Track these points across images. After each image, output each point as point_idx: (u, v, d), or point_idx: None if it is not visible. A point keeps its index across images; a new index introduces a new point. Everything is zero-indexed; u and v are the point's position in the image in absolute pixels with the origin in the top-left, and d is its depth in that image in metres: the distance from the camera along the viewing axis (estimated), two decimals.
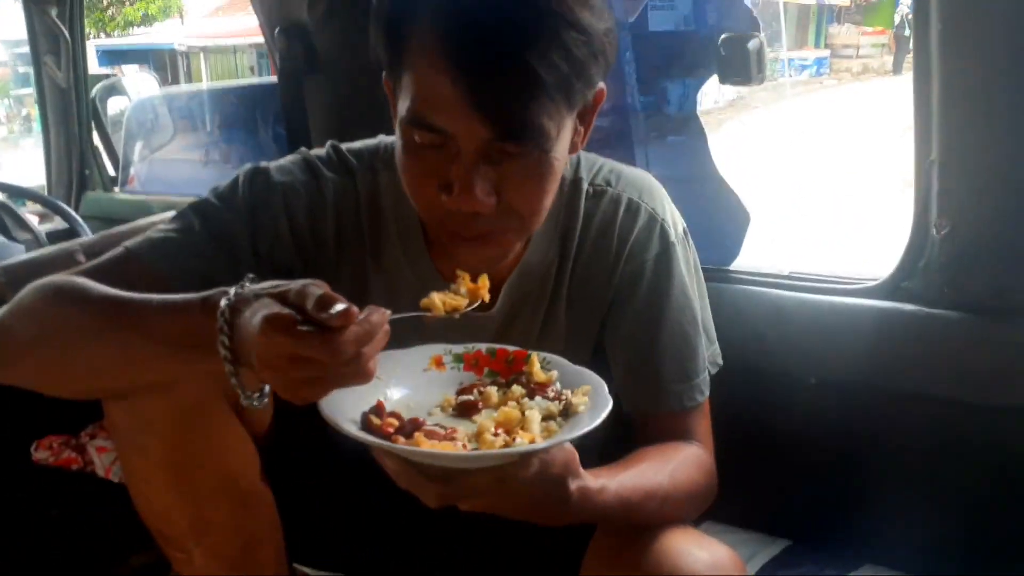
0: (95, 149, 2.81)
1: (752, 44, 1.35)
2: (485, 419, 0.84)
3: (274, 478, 1.07)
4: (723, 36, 1.42)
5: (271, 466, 1.06)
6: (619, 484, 0.92)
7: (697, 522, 1.09)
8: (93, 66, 3.61)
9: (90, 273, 0.95)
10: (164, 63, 14.46)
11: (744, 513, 1.37)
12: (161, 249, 0.97)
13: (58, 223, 2.40)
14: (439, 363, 0.96)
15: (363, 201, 1.06)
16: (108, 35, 15.05)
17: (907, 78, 1.20)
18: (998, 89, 1.10)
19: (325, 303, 0.70)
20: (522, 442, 0.80)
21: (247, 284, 0.77)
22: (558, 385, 0.91)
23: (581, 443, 0.84)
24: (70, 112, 2.72)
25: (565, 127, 0.91)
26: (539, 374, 0.93)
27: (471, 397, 0.90)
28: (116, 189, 2.83)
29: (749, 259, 1.51)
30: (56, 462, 1.43)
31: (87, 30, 2.79)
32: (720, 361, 1.15)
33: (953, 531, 1.23)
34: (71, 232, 2.27)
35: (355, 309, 0.71)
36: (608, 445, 0.99)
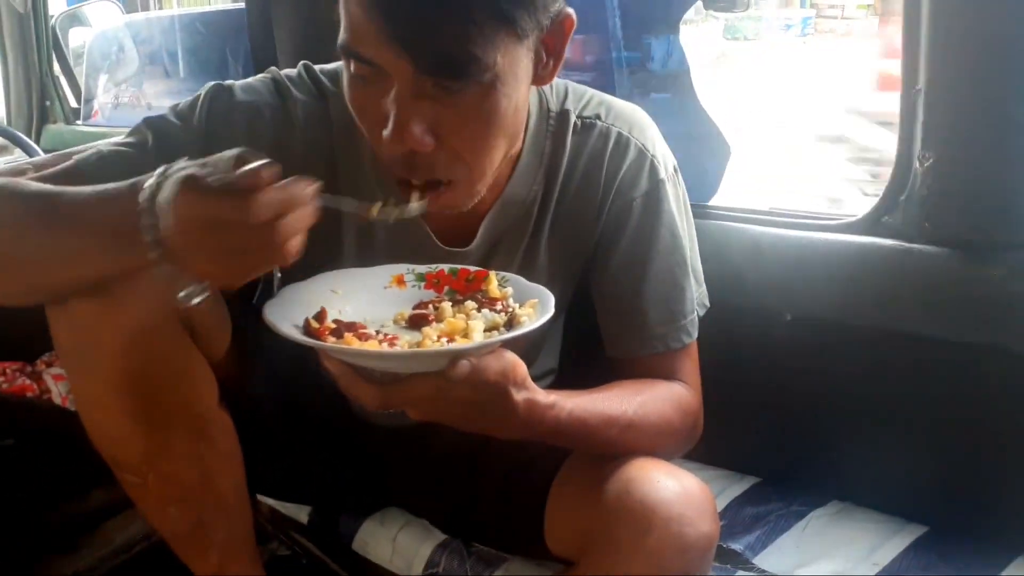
0: (56, 80, 2.72)
1: None
2: (430, 329, 0.85)
3: (234, 409, 1.04)
4: None
5: (230, 397, 1.03)
6: (575, 404, 0.91)
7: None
8: (61, 4, 3.47)
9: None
10: (135, 2, 14.03)
11: (713, 450, 1.35)
12: (109, 164, 0.92)
13: (18, 155, 2.32)
14: (400, 281, 0.96)
15: (336, 127, 1.01)
16: None
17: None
18: (989, 14, 1.07)
19: (241, 162, 0.68)
20: (460, 341, 0.81)
21: (176, 165, 0.72)
22: (511, 301, 0.91)
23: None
24: (29, 40, 2.61)
25: (514, 58, 0.84)
26: (494, 291, 0.92)
27: (425, 312, 0.89)
28: (78, 122, 2.74)
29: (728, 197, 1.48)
30: (10, 389, 1.39)
31: None
32: (707, 303, 1.13)
33: (924, 470, 1.23)
34: None
35: (272, 171, 0.68)
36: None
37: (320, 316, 0.85)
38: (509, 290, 0.93)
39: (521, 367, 0.84)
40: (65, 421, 1.42)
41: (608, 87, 1.75)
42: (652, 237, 1.05)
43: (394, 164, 0.88)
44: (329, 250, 1.03)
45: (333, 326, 0.84)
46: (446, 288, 0.96)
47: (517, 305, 0.89)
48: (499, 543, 1.18)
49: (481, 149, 0.88)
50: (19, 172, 1.27)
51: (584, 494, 0.96)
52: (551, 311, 0.86)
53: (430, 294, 0.96)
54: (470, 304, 0.90)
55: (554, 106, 1.05)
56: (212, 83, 1.01)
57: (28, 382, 1.40)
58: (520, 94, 0.89)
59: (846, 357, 1.28)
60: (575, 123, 1.05)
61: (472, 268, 0.97)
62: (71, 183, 0.89)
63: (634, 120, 1.07)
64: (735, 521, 1.27)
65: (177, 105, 0.99)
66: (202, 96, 0.99)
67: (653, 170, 1.05)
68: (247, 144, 0.95)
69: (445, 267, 0.97)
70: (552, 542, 1.04)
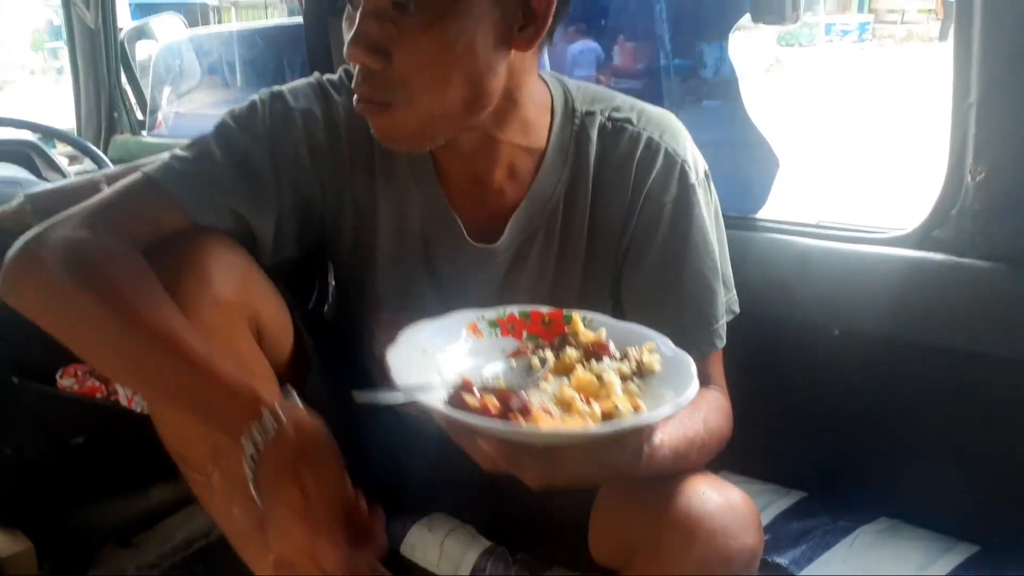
0: (124, 92, 2.83)
1: None
2: (566, 388, 0.81)
3: None
4: None
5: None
6: (670, 436, 0.90)
7: (714, 471, 1.09)
8: (126, 19, 3.60)
9: (112, 203, 0.96)
10: (196, 16, 14.46)
11: (761, 464, 1.36)
12: (182, 178, 0.97)
13: (87, 165, 2.42)
14: (475, 330, 0.92)
15: None
16: None
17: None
18: None
19: None
20: (628, 409, 0.77)
21: (284, 405, 0.83)
22: (611, 343, 0.88)
23: None
24: (99, 54, 2.72)
25: (476, 3, 0.88)
26: (586, 334, 0.90)
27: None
28: (144, 133, 2.84)
29: (777, 209, 1.48)
30: (81, 390, 1.46)
31: None
32: (736, 309, 1.13)
33: (975, 488, 1.21)
34: None
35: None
36: None
37: (467, 387, 0.78)
38: (603, 332, 0.90)
39: None
40: (130, 421, 1.48)
41: (656, 95, 1.76)
42: (684, 242, 1.05)
43: (355, 81, 0.93)
44: (365, 244, 1.08)
45: (494, 400, 0.76)
46: (525, 334, 0.92)
47: (634, 350, 0.86)
48: (543, 551, 1.20)
49: (427, 79, 0.90)
50: (94, 185, 1.34)
51: (629, 504, 0.96)
52: (684, 355, 0.84)
53: (511, 342, 0.91)
54: (572, 352, 0.86)
55: (580, 107, 1.06)
56: (265, 90, 1.05)
57: (97, 384, 1.46)
58: (480, 39, 0.90)
59: (894, 372, 1.26)
60: (605, 125, 1.06)
61: (543, 309, 0.93)
62: (145, 200, 0.96)
63: (665, 125, 1.07)
64: (780, 535, 1.26)
65: (234, 112, 1.03)
66: (259, 103, 1.03)
67: (684, 175, 1.05)
68: (305, 146, 1.02)
69: (514, 310, 0.93)
70: (596, 552, 1.05)
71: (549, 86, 1.07)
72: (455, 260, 1.08)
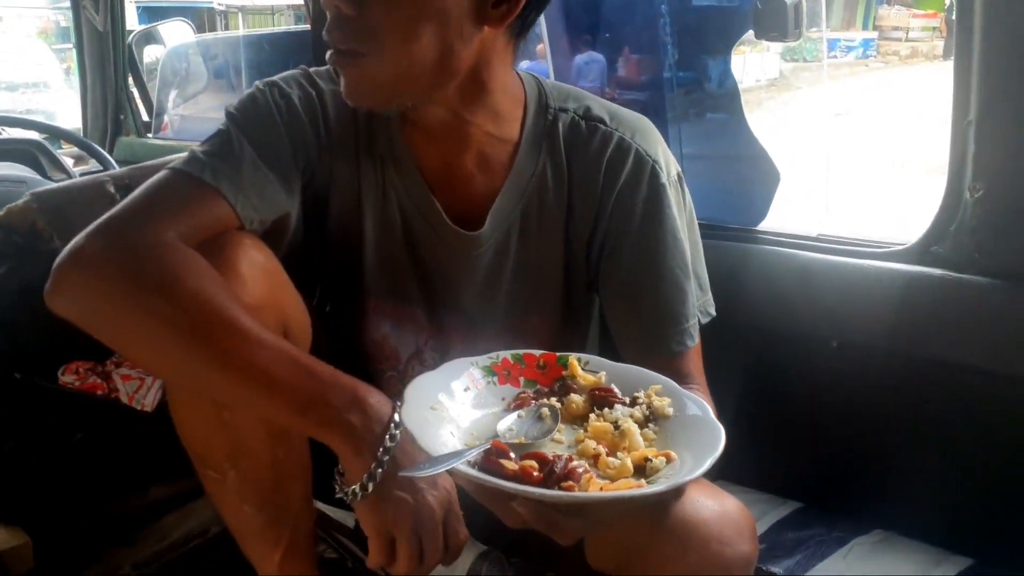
0: (130, 95, 2.84)
1: None
2: (587, 440, 0.81)
3: None
4: None
5: None
6: None
7: (711, 480, 1.09)
8: (133, 22, 3.62)
9: (153, 200, 0.93)
10: (203, 21, 14.50)
11: (757, 473, 1.37)
12: (218, 171, 0.95)
13: (92, 165, 2.43)
14: (473, 380, 0.91)
15: (360, 113, 1.06)
16: None
17: None
18: None
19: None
20: (662, 461, 0.78)
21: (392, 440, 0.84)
22: (613, 387, 0.89)
23: None
24: (107, 56, 2.74)
25: None
26: (586, 377, 0.90)
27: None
28: (149, 135, 2.86)
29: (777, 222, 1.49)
30: (82, 387, 1.46)
31: None
32: (712, 311, 1.13)
33: (969, 502, 1.22)
34: None
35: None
36: None
37: (500, 451, 0.76)
38: (603, 375, 0.90)
39: None
40: (130, 419, 1.49)
41: (659, 107, 1.78)
42: (655, 242, 1.06)
43: (327, 29, 0.94)
44: (351, 228, 1.09)
45: (534, 464, 0.75)
46: (521, 380, 0.91)
47: (640, 394, 0.87)
48: (539, 556, 1.20)
49: (398, 29, 0.92)
50: (100, 185, 1.35)
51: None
52: (698, 400, 0.86)
53: (510, 389, 0.90)
54: (576, 399, 0.87)
55: (553, 103, 1.08)
56: (260, 82, 1.06)
57: (98, 381, 1.47)
58: (454, 10, 0.92)
59: (892, 385, 1.27)
60: (578, 123, 1.08)
61: (536, 352, 0.93)
62: (183, 193, 0.94)
63: (637, 127, 1.09)
64: (776, 545, 1.27)
65: (238, 106, 1.03)
66: (259, 94, 1.04)
67: (654, 175, 1.06)
68: (309, 130, 1.03)
69: (507, 355, 0.92)
70: (592, 557, 1.05)
71: (524, 82, 1.08)
72: (437, 247, 1.08)
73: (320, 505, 1.41)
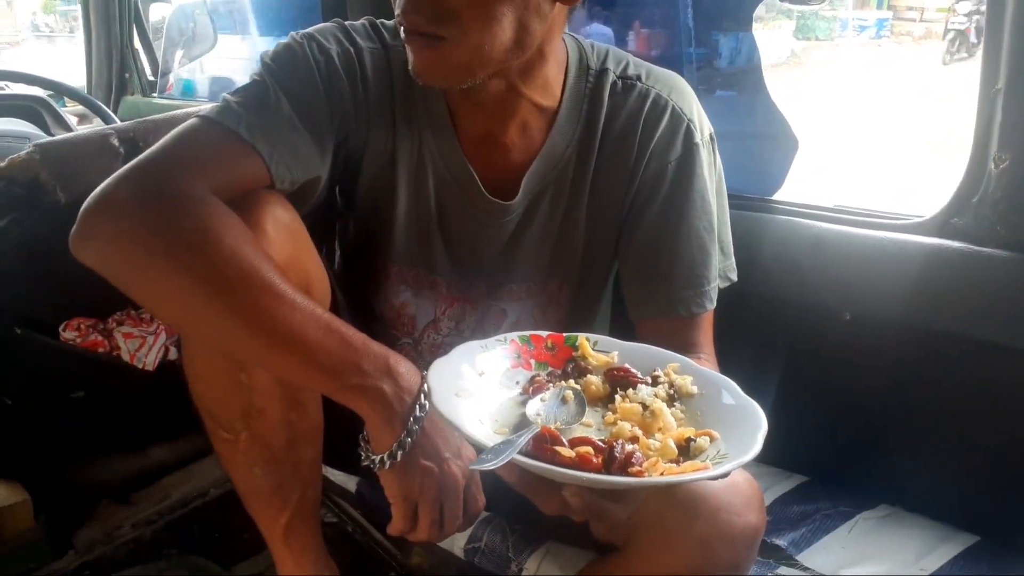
0: (136, 53, 2.81)
1: None
2: (621, 423, 0.79)
3: None
4: None
5: None
6: None
7: None
8: None
9: (183, 150, 0.90)
10: None
11: (763, 446, 1.35)
12: (252, 124, 0.92)
13: (96, 123, 2.41)
14: (488, 364, 0.89)
15: (396, 73, 1.04)
16: None
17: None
18: None
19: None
20: (705, 440, 0.77)
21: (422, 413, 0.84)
22: (628, 366, 0.87)
23: None
24: (112, 14, 2.70)
25: None
26: (598, 357, 0.89)
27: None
28: (154, 95, 2.82)
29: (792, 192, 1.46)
30: (83, 344, 1.45)
31: None
32: (733, 276, 1.13)
33: (978, 479, 1.20)
34: None
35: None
36: None
37: (550, 437, 0.74)
38: (615, 354, 0.89)
39: None
40: (132, 378, 1.48)
41: (677, 67, 1.75)
42: (684, 201, 1.05)
43: (403, 10, 0.91)
44: (384, 192, 1.07)
45: (591, 450, 0.73)
46: (532, 363, 0.89)
47: (663, 373, 0.86)
48: (541, 524, 1.19)
49: (478, 15, 0.89)
50: (104, 138, 1.33)
51: None
52: (725, 380, 0.84)
53: (522, 373, 0.89)
54: (593, 379, 0.85)
55: (594, 64, 1.07)
56: (296, 34, 1.02)
57: (100, 338, 1.45)
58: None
59: (904, 359, 1.25)
60: (615, 82, 1.07)
61: (543, 333, 0.91)
62: (215, 145, 0.91)
63: (673, 84, 1.08)
64: (781, 518, 1.26)
65: (274, 56, 1.00)
66: (296, 47, 1.00)
67: (689, 134, 1.06)
68: (348, 87, 1.00)
69: (515, 336, 0.90)
70: (596, 527, 1.05)
71: (566, 44, 1.07)
72: (469, 216, 1.07)
73: (329, 469, 1.40)
